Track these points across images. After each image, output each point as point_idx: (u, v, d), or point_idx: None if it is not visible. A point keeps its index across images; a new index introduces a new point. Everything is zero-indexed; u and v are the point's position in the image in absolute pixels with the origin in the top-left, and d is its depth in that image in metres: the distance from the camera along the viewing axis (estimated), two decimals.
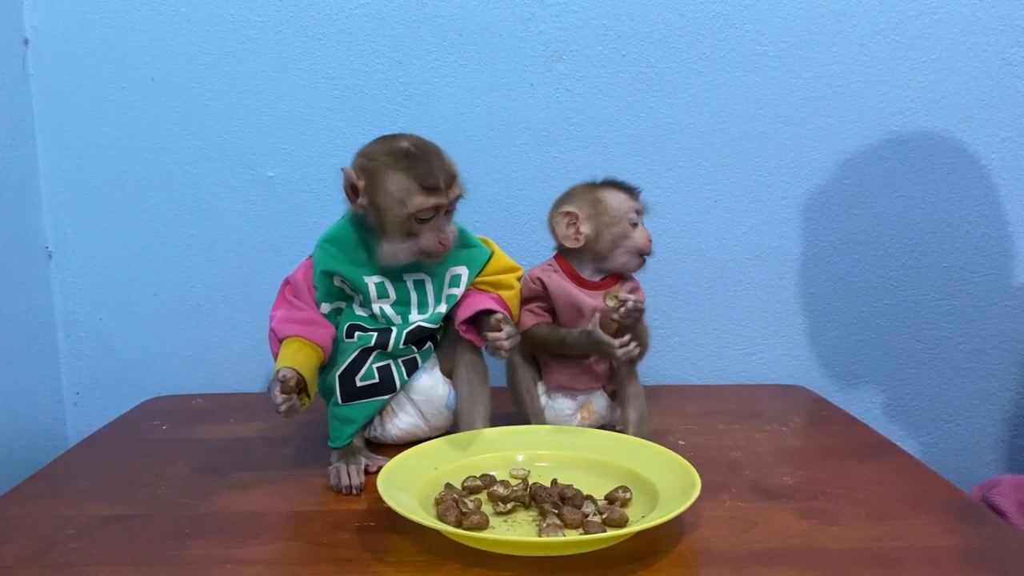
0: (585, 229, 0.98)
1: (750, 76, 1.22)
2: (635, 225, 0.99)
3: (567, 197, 1.02)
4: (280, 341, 0.91)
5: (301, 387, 0.87)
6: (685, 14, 1.20)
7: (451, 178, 0.89)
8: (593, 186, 1.01)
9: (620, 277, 1.01)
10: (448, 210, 0.91)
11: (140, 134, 1.21)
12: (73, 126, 1.21)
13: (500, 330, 0.89)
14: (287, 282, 0.96)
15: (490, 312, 0.92)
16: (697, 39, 1.21)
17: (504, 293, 0.97)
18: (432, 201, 0.87)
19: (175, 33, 1.19)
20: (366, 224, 0.91)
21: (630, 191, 1.01)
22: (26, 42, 1.19)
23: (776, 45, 1.21)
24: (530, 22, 1.20)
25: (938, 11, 1.20)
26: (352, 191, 0.90)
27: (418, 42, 1.20)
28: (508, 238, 1.20)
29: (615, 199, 0.99)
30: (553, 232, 1.01)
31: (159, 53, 1.20)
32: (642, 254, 1.00)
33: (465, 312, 0.94)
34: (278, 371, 0.86)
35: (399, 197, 0.87)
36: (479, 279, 0.97)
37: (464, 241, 0.97)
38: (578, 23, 1.20)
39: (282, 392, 0.84)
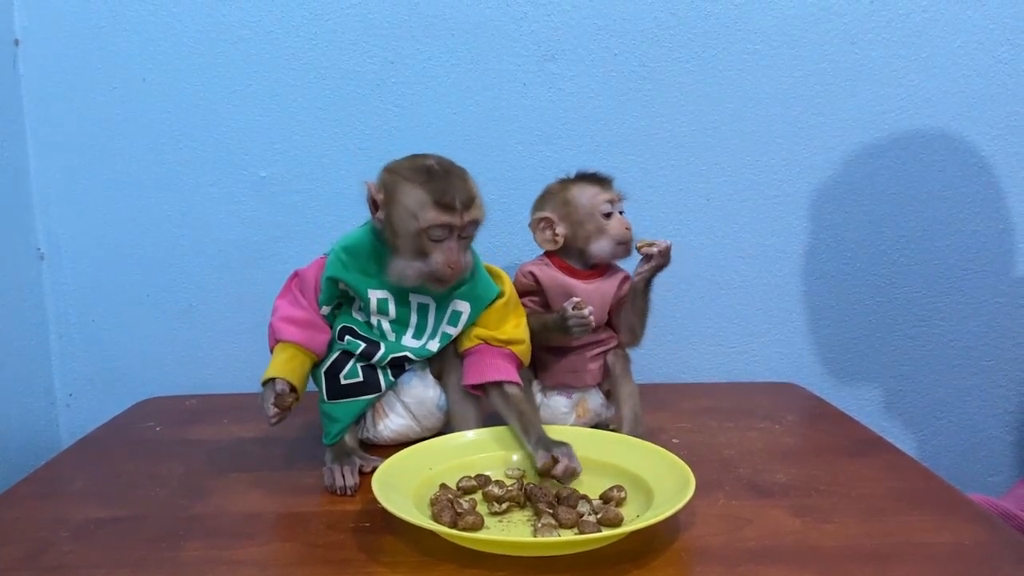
0: (561, 230, 1.00)
1: (742, 75, 1.22)
2: (609, 215, 0.99)
3: (541, 200, 1.03)
4: (277, 341, 0.92)
5: (295, 396, 0.88)
6: (677, 13, 1.20)
7: (469, 200, 0.87)
8: (564, 183, 1.02)
9: (609, 267, 1.02)
10: (463, 235, 0.88)
11: (131, 135, 1.21)
12: (64, 127, 1.21)
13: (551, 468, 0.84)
14: (296, 274, 0.96)
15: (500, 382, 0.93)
16: (689, 38, 1.21)
17: (516, 348, 0.96)
18: (444, 218, 0.85)
19: (166, 34, 1.19)
20: (382, 238, 0.90)
21: (601, 182, 1.01)
22: (16, 43, 1.18)
23: (767, 44, 1.21)
24: (522, 22, 1.20)
25: (929, 9, 1.21)
26: (373, 205, 0.89)
27: (410, 42, 1.20)
28: (501, 237, 1.20)
29: (585, 195, 0.99)
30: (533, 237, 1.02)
31: (150, 54, 1.19)
32: (620, 243, 0.99)
33: (474, 376, 0.93)
34: (273, 381, 0.87)
35: (412, 211, 0.85)
36: (490, 333, 0.95)
37: (474, 275, 0.95)
38: (570, 23, 1.20)
39: (275, 405, 0.86)
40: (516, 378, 0.94)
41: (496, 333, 0.95)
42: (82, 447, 1.04)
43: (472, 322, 0.95)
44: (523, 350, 0.97)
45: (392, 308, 0.92)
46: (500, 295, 0.96)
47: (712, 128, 1.23)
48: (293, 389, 0.88)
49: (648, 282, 0.98)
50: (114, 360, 1.27)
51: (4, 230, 1.16)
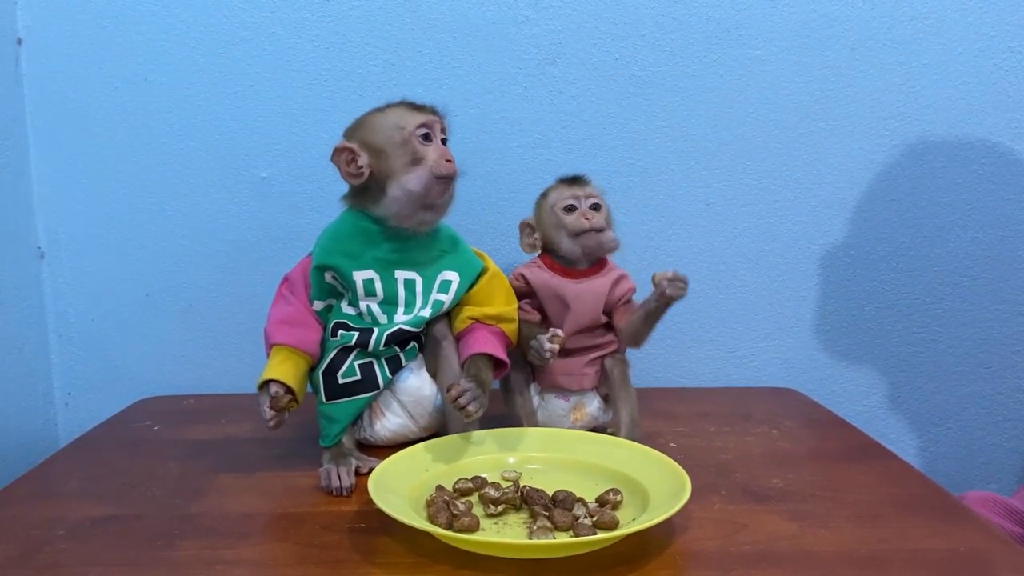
0: (538, 235, 1.02)
1: (743, 80, 1.22)
2: (571, 209, 1.00)
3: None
4: (271, 346, 0.93)
5: (290, 397, 0.89)
6: (678, 18, 1.20)
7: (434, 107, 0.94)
8: (547, 188, 1.04)
9: (603, 266, 1.02)
10: (444, 138, 0.93)
11: (133, 134, 1.21)
12: (66, 126, 1.21)
13: (457, 392, 0.87)
14: (286, 279, 0.97)
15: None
16: (690, 43, 1.21)
17: (506, 327, 0.97)
18: (425, 118, 0.91)
19: (169, 34, 1.19)
20: (362, 200, 0.93)
21: (571, 181, 1.02)
22: (19, 42, 1.19)
23: (769, 49, 1.21)
24: (524, 25, 1.20)
25: (930, 16, 1.21)
26: (350, 162, 0.91)
27: (412, 44, 1.20)
28: (501, 240, 1.20)
29: (552, 196, 1.02)
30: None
31: (153, 53, 1.19)
32: (575, 235, 0.99)
33: (464, 352, 0.94)
34: (268, 384, 0.88)
35: (396, 123, 0.91)
36: (481, 311, 0.96)
37: (456, 246, 0.98)
38: (571, 26, 1.20)
39: (271, 408, 0.87)
40: (500, 353, 0.94)
41: (486, 309, 0.96)
42: (79, 446, 1.04)
43: (461, 297, 0.97)
44: (513, 329, 0.98)
45: (379, 287, 0.93)
46: (485, 270, 0.99)
47: (713, 133, 1.24)
48: (289, 390, 0.89)
49: (664, 307, 0.96)
50: (113, 359, 1.27)
51: (4, 229, 1.16)
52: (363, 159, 0.91)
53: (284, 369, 0.90)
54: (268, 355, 0.93)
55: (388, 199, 0.91)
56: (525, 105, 1.22)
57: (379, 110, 0.94)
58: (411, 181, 0.90)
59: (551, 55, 1.21)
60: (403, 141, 0.90)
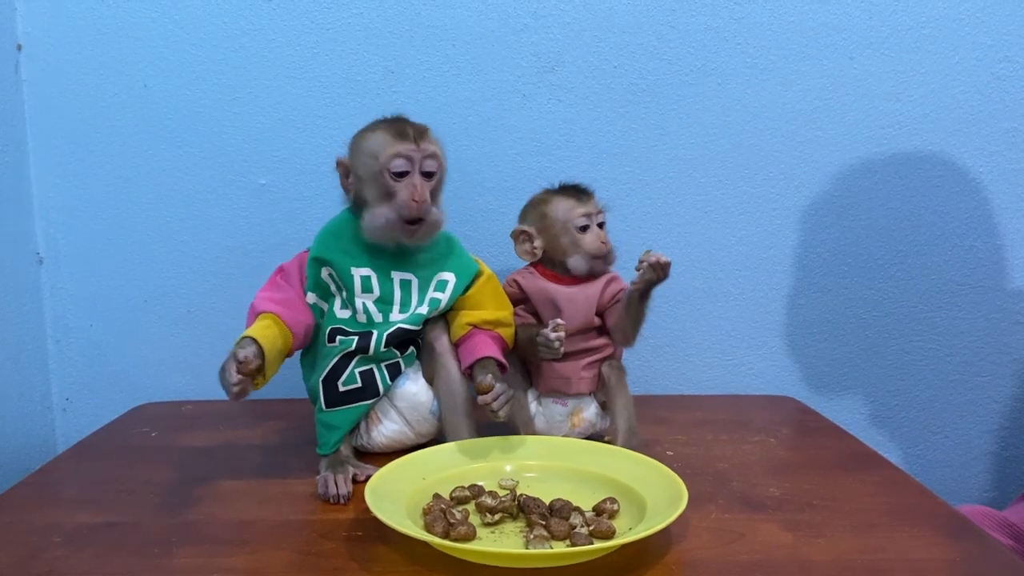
0: (539, 243, 1.01)
1: (740, 88, 1.22)
2: (585, 229, 1.00)
3: (524, 211, 1.05)
4: (256, 315, 0.91)
5: (259, 370, 0.84)
6: (677, 26, 1.21)
7: (422, 132, 0.92)
8: (545, 195, 1.03)
9: (594, 276, 1.02)
10: (424, 170, 0.91)
11: (132, 141, 1.21)
12: (65, 132, 1.21)
13: (488, 391, 0.89)
14: (281, 268, 0.98)
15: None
16: (688, 51, 1.21)
17: (503, 331, 0.98)
18: (399, 147, 0.89)
19: (168, 40, 1.19)
20: (357, 208, 0.93)
21: (579, 195, 1.01)
22: (19, 48, 1.19)
23: (766, 58, 1.22)
24: (522, 33, 1.20)
25: (928, 25, 1.21)
26: (344, 174, 0.93)
27: (410, 52, 1.20)
28: (499, 247, 1.20)
29: (560, 209, 1.01)
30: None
31: (152, 60, 1.20)
32: (595, 257, 1.00)
33: (467, 358, 0.95)
34: (239, 348, 0.82)
35: (373, 152, 0.90)
36: (479, 316, 0.97)
37: (452, 249, 0.99)
38: (570, 34, 1.21)
39: (238, 372, 0.80)
40: (501, 357, 0.95)
41: (483, 314, 0.97)
42: (77, 452, 1.04)
43: (457, 299, 0.97)
44: (510, 334, 0.99)
45: (376, 285, 0.94)
46: (480, 272, 0.99)
47: (711, 141, 1.24)
48: (262, 358, 0.83)
49: (644, 293, 0.96)
50: (111, 365, 1.27)
51: (4, 234, 1.16)
52: (351, 177, 0.93)
53: (265, 334, 0.86)
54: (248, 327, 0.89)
55: (364, 221, 0.92)
56: (523, 113, 1.22)
57: (369, 128, 0.94)
58: (377, 216, 0.90)
59: (549, 63, 1.21)
60: (377, 173, 0.90)
